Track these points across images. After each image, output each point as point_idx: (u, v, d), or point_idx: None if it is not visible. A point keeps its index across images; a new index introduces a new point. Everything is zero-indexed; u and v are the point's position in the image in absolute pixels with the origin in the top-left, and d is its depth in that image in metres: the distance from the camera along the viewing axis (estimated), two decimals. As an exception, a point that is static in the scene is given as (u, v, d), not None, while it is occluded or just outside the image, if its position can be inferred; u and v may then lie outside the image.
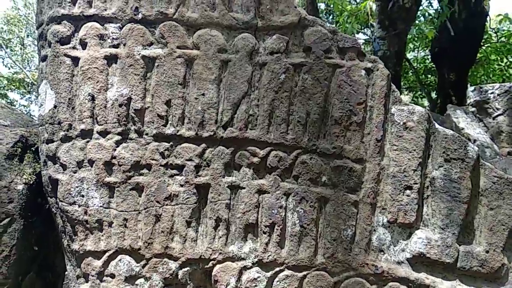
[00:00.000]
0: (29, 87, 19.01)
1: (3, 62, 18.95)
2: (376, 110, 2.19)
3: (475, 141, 4.24)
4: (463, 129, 4.30)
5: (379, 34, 7.90)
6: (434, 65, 15.60)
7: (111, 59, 2.17)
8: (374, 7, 9.02)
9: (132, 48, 2.16)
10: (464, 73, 14.26)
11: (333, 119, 2.18)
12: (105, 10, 2.19)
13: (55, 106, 2.17)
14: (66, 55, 2.18)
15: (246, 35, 2.20)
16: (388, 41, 7.58)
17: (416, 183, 2.12)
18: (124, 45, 2.18)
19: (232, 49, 2.19)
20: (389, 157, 2.17)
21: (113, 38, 2.18)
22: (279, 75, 2.18)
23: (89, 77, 2.15)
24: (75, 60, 2.18)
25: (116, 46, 2.18)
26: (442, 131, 2.19)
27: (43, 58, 2.26)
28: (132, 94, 2.15)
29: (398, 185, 2.13)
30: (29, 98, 21.09)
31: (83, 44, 2.18)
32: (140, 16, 2.18)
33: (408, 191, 2.12)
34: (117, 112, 2.14)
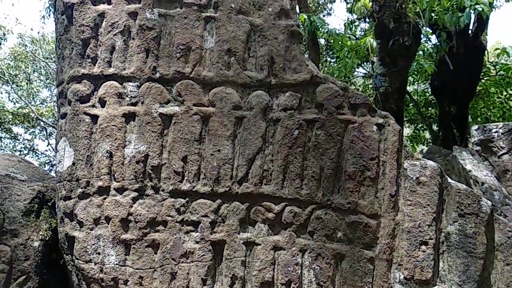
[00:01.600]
0: (33, 122, 19.21)
1: (9, 97, 19.22)
2: (389, 165, 2.22)
3: (483, 183, 4.25)
4: (470, 171, 4.32)
5: (380, 70, 8.02)
6: (434, 98, 15.81)
7: (129, 117, 2.23)
8: (374, 43, 9.21)
9: (150, 106, 2.23)
10: (465, 106, 14.40)
11: (346, 174, 2.21)
12: (124, 69, 2.27)
13: (73, 164, 2.21)
14: (85, 113, 2.24)
15: (260, 92, 2.27)
16: (389, 78, 7.69)
17: (431, 239, 2.13)
18: (142, 103, 2.24)
19: (247, 106, 2.25)
20: (403, 212, 2.18)
21: (131, 97, 2.25)
22: (292, 131, 2.23)
23: (108, 135, 2.20)
24: (94, 118, 2.23)
25: (134, 104, 2.25)
26: (455, 186, 2.22)
27: (63, 116, 2.32)
28: (149, 151, 2.20)
29: (414, 240, 2.14)
30: (33, 132, 21.27)
31: (102, 102, 2.25)
32: (158, 75, 2.26)
33: (423, 247, 2.13)
34: (134, 169, 2.18)
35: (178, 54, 2.27)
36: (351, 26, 14.16)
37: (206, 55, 2.30)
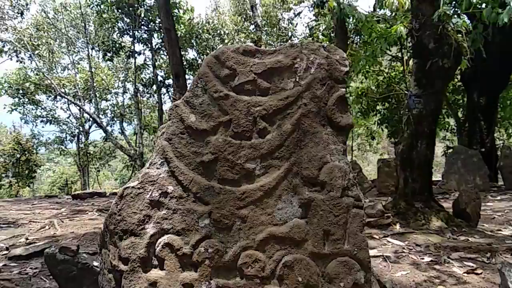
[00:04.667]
0: (55, 92, 19.37)
1: (31, 68, 19.23)
2: None
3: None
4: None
5: (415, 91, 7.74)
6: (462, 85, 15.37)
7: None
8: (404, 32, 8.84)
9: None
10: (495, 97, 14.08)
11: None
12: None
13: None
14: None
15: None
16: (424, 99, 7.42)
17: None
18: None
19: None
20: None
21: None
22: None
23: None
24: None
25: None
26: None
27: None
28: None
29: None
30: (55, 100, 21.45)
31: None
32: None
33: None
34: None
35: None
36: (381, 5, 13.53)
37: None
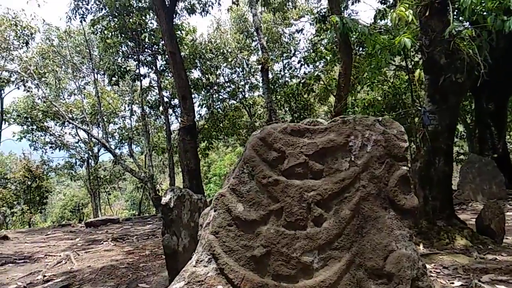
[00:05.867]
0: (63, 118, 19.47)
1: (39, 97, 19.40)
2: None
3: None
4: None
5: (429, 107, 7.67)
6: (469, 91, 15.28)
7: None
8: (408, 43, 8.78)
9: None
10: (504, 102, 13.93)
11: None
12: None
13: None
14: None
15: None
16: (439, 115, 7.34)
17: None
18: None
19: None
20: None
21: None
22: None
23: None
24: None
25: None
26: None
27: None
28: None
29: None
30: (63, 126, 21.55)
31: None
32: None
33: None
34: None
35: None
36: (382, 16, 13.54)
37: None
